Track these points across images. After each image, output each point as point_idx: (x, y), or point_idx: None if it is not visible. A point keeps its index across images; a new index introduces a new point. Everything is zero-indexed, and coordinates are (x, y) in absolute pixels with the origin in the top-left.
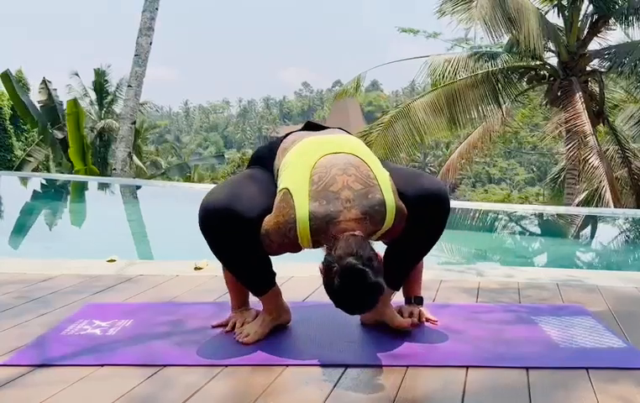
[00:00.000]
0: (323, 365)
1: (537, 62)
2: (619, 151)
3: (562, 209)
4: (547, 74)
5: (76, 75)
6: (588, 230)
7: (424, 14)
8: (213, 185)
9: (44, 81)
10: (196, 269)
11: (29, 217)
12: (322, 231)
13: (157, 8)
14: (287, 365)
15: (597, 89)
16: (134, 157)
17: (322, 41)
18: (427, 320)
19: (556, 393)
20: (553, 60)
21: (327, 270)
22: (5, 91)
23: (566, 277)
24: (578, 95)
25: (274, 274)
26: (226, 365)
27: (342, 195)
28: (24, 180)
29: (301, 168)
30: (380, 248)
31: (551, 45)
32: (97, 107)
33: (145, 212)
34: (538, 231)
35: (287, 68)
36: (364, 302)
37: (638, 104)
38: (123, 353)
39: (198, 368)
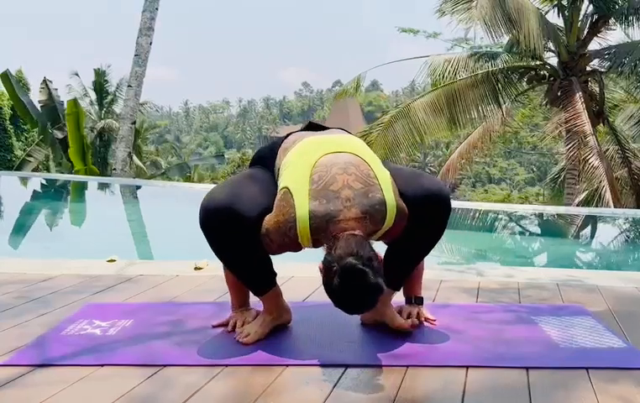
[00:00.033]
0: (323, 365)
1: (537, 62)
2: (619, 151)
3: (562, 209)
4: (547, 74)
5: (76, 75)
6: (588, 230)
7: (424, 14)
8: (213, 185)
9: (44, 81)
10: (196, 269)
11: (29, 216)
12: (322, 230)
13: (157, 8)
14: (287, 365)
15: (597, 89)
16: (134, 157)
17: (322, 41)
18: (427, 320)
19: (556, 393)
20: (553, 60)
21: (326, 270)
22: (5, 91)
23: (566, 277)
24: (578, 95)
25: (274, 274)
26: (226, 365)
27: (342, 194)
28: (24, 180)
29: (302, 167)
30: (380, 248)
31: (551, 45)
32: (97, 107)
33: (145, 212)
34: (538, 231)
35: (287, 68)
36: (364, 302)
37: (638, 104)
38: (123, 353)
39: (198, 368)
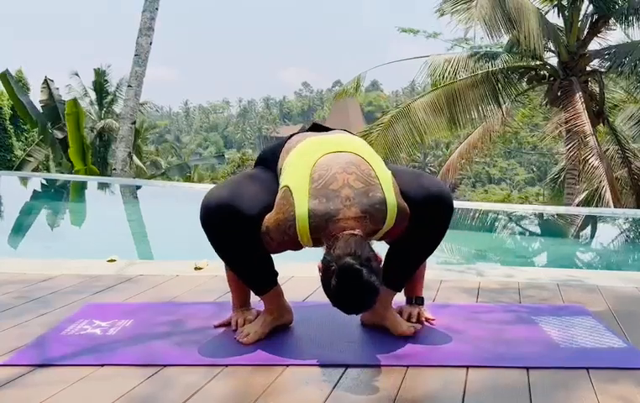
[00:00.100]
0: (324, 365)
1: (537, 62)
2: (619, 151)
3: (562, 209)
4: (547, 74)
5: (76, 75)
6: (588, 230)
7: (424, 14)
8: (213, 185)
9: (45, 81)
10: (196, 269)
11: (29, 216)
12: (322, 229)
13: (157, 8)
14: (287, 365)
15: (597, 89)
16: (134, 157)
17: (322, 41)
18: (427, 320)
19: (556, 393)
20: (553, 60)
21: (325, 269)
22: (5, 92)
23: (566, 277)
24: (578, 95)
25: (275, 273)
26: (226, 365)
27: (342, 193)
28: (24, 180)
29: (302, 166)
30: (382, 248)
31: (551, 45)
32: (97, 107)
33: (145, 212)
34: (538, 231)
35: (287, 68)
36: (361, 302)
37: (638, 104)
38: (123, 353)
39: (198, 368)
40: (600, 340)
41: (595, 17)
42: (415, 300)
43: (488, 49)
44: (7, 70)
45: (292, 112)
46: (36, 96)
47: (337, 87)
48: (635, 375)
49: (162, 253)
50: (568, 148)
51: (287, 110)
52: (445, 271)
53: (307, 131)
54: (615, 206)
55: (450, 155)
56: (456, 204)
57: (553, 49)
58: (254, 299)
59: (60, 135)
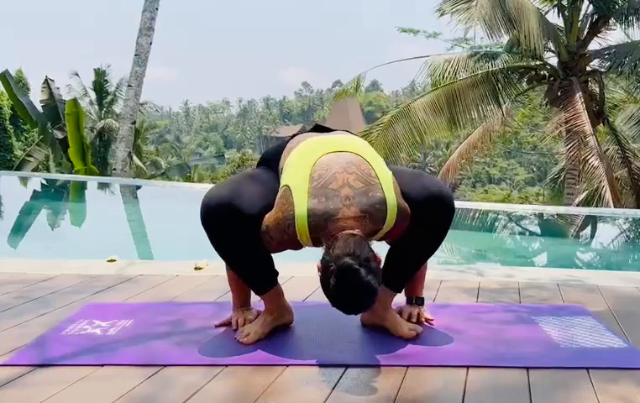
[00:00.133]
0: (324, 365)
1: (537, 62)
2: (619, 151)
3: (562, 209)
4: (547, 74)
5: (76, 75)
6: (588, 230)
7: (424, 14)
8: (213, 185)
9: (46, 81)
10: (196, 269)
11: (29, 216)
12: (321, 228)
13: (157, 8)
14: (287, 365)
15: (597, 89)
16: (134, 157)
17: (322, 41)
18: (426, 320)
19: (556, 393)
20: (553, 60)
21: (324, 269)
22: (5, 92)
23: (566, 277)
24: (578, 95)
25: (276, 273)
26: (226, 365)
27: (342, 192)
28: (24, 180)
29: (303, 166)
30: (381, 248)
31: (551, 45)
32: (96, 107)
33: (145, 212)
34: (538, 231)
35: (287, 68)
36: (360, 303)
37: (638, 104)
38: (123, 353)
39: (198, 368)
40: (600, 340)
41: (595, 17)
42: (415, 300)
43: (488, 49)
44: (6, 70)
45: (292, 112)
46: (36, 97)
47: (337, 87)
48: (635, 375)
49: (162, 253)
50: (568, 148)
51: (287, 110)
52: (445, 271)
53: (309, 132)
54: (615, 206)
55: (450, 155)
56: (456, 204)
57: (553, 49)
58: (255, 299)
59: (60, 135)
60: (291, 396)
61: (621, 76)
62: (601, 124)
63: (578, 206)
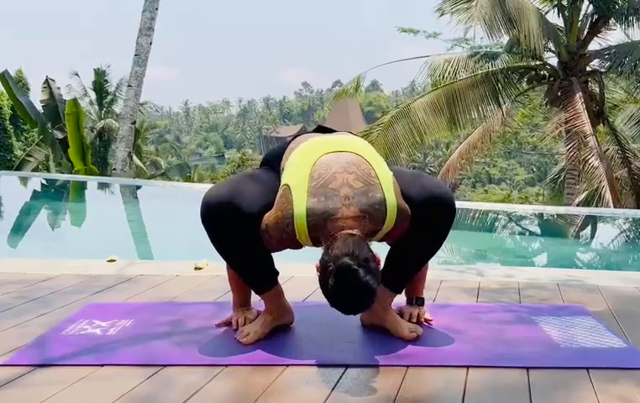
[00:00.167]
0: (324, 365)
1: (537, 62)
2: (619, 151)
3: (562, 209)
4: (547, 74)
5: (76, 75)
6: (588, 230)
7: (424, 14)
8: (214, 184)
9: (46, 80)
10: (196, 269)
11: (29, 216)
12: (320, 227)
13: (157, 8)
14: (287, 365)
15: (597, 89)
16: (134, 157)
17: (322, 41)
18: (425, 320)
19: (556, 393)
20: (553, 60)
21: (323, 269)
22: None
23: (566, 277)
24: (578, 95)
25: (276, 272)
26: (226, 365)
27: (341, 192)
28: (24, 180)
29: (303, 165)
30: (381, 249)
31: (551, 45)
32: (96, 107)
33: (145, 212)
34: (538, 231)
35: (287, 68)
36: (358, 303)
37: (638, 104)
38: (123, 353)
39: (198, 368)
40: (600, 340)
41: (595, 17)
42: (415, 300)
43: (488, 50)
44: (6, 70)
45: (292, 112)
46: (36, 97)
47: (337, 87)
48: (635, 375)
49: (162, 253)
50: (568, 148)
51: (287, 110)
52: (445, 271)
53: (311, 133)
54: (615, 207)
55: (450, 155)
56: (456, 204)
57: (553, 49)
58: (255, 299)
59: (60, 135)
60: (291, 396)
61: (621, 76)
62: (601, 124)
63: (578, 206)
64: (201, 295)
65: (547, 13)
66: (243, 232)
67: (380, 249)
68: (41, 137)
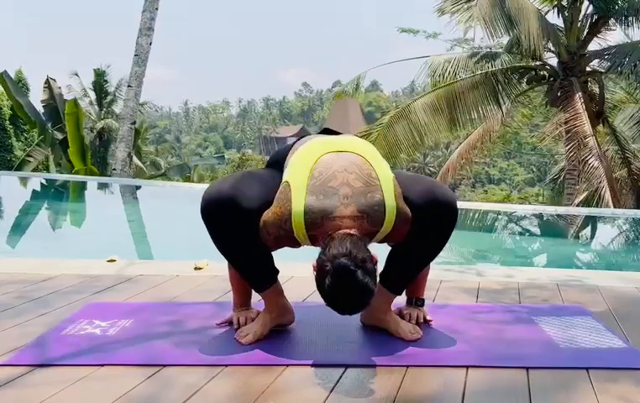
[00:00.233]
0: (323, 365)
1: (537, 62)
2: (619, 151)
3: (562, 209)
4: (547, 74)
5: (76, 75)
6: (588, 230)
7: (424, 14)
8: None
9: (47, 80)
10: (196, 269)
11: (29, 216)
12: (318, 225)
13: (157, 8)
14: (287, 365)
15: (597, 89)
16: (134, 157)
17: (322, 41)
18: (425, 321)
19: (556, 393)
20: (553, 61)
21: (319, 269)
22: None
23: (566, 277)
24: (578, 95)
25: (276, 271)
26: (226, 365)
27: (340, 191)
28: (24, 180)
29: (304, 164)
30: (381, 249)
31: (551, 46)
32: (96, 107)
33: (145, 212)
34: (538, 231)
35: (287, 68)
36: (355, 304)
37: (638, 104)
38: (123, 353)
39: (198, 368)
40: (599, 340)
41: (595, 17)
42: (415, 301)
43: (488, 50)
44: (5, 71)
45: (292, 112)
46: (36, 97)
47: (337, 87)
48: (635, 375)
49: (162, 253)
50: (567, 148)
51: (287, 110)
52: (445, 271)
53: (318, 134)
54: (614, 207)
55: (450, 156)
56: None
57: (552, 49)
58: (255, 299)
59: (59, 135)
60: (291, 396)
61: (621, 77)
62: (601, 125)
63: (578, 206)
64: (201, 295)
65: (547, 13)
66: (242, 227)
67: (380, 249)
68: (41, 137)
